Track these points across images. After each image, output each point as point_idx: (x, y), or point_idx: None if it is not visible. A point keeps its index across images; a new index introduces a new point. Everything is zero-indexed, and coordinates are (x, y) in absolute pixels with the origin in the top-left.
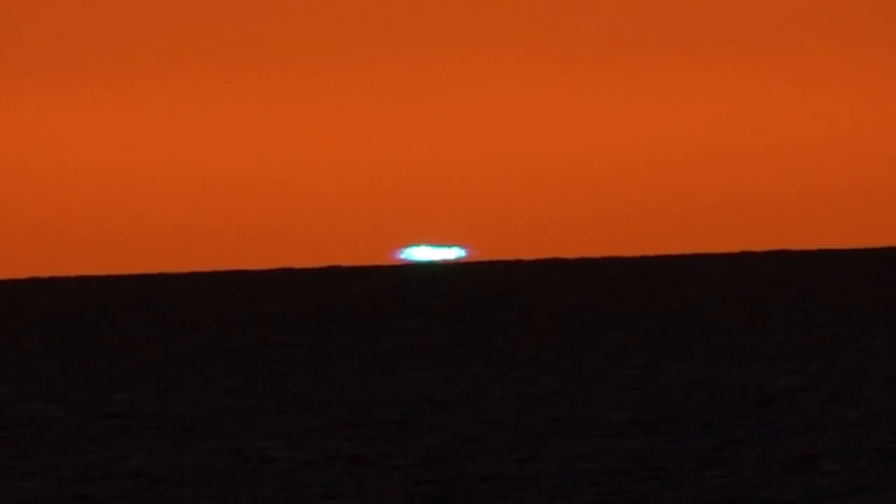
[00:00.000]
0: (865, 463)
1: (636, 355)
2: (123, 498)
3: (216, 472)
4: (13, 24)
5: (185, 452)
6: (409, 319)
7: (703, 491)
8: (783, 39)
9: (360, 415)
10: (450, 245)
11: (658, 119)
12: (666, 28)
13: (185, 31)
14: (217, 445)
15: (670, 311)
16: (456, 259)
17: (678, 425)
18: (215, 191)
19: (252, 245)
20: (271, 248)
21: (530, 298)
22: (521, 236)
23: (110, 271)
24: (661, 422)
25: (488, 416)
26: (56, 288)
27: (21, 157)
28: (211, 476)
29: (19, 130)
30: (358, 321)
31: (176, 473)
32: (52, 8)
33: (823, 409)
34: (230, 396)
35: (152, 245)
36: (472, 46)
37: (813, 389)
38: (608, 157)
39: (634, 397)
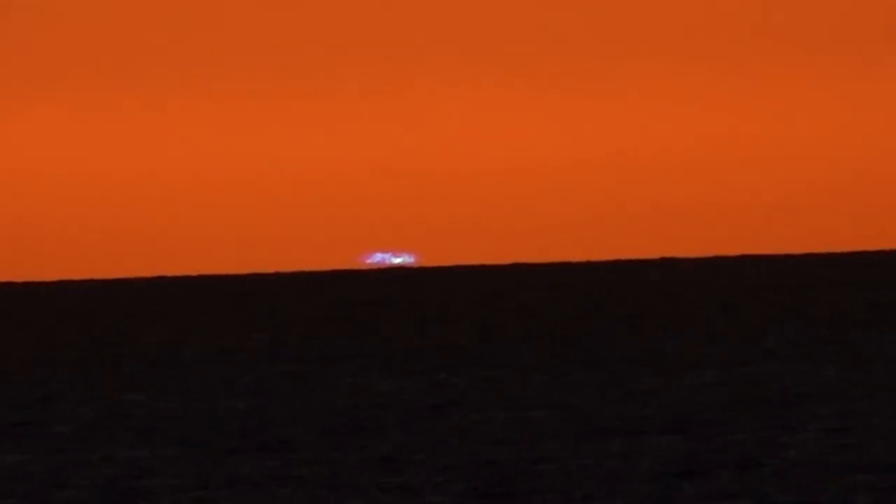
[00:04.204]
0: None
1: (651, 356)
2: (173, 493)
3: (261, 471)
4: (10, 29)
5: (226, 451)
6: (405, 323)
7: (745, 490)
8: (762, 53)
9: (384, 416)
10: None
11: (637, 127)
12: (637, 38)
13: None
14: (246, 444)
15: (669, 313)
16: (412, 263)
17: (710, 425)
18: (198, 201)
19: (223, 251)
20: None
21: (522, 302)
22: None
23: (105, 275)
24: (692, 423)
25: (515, 416)
26: (55, 291)
27: (25, 163)
28: (257, 474)
29: (22, 140)
30: (355, 324)
31: (219, 473)
32: (50, 13)
33: (853, 406)
34: (253, 397)
35: (133, 252)
36: (433, 58)
37: (838, 388)
38: (592, 163)
39: (659, 398)
